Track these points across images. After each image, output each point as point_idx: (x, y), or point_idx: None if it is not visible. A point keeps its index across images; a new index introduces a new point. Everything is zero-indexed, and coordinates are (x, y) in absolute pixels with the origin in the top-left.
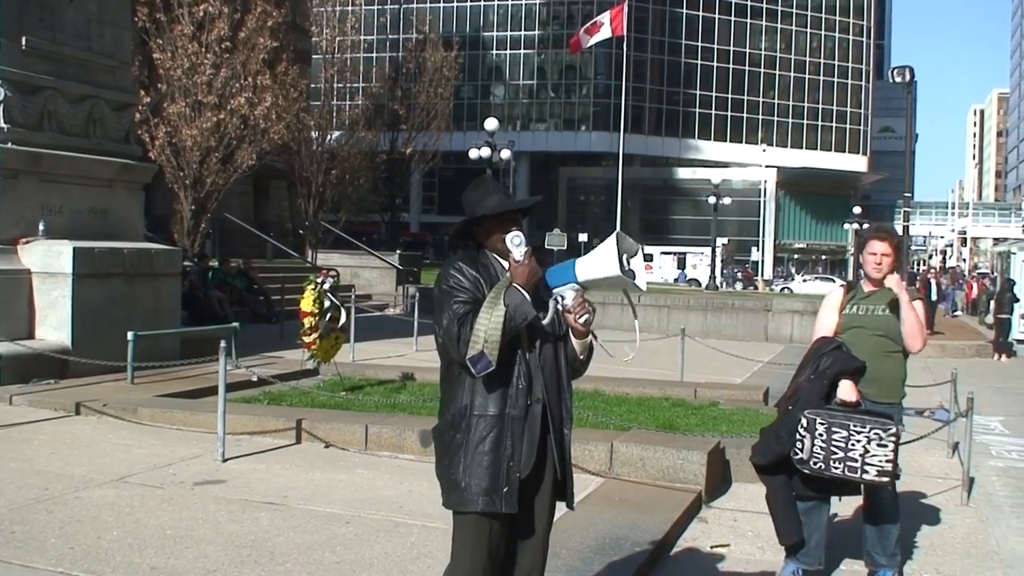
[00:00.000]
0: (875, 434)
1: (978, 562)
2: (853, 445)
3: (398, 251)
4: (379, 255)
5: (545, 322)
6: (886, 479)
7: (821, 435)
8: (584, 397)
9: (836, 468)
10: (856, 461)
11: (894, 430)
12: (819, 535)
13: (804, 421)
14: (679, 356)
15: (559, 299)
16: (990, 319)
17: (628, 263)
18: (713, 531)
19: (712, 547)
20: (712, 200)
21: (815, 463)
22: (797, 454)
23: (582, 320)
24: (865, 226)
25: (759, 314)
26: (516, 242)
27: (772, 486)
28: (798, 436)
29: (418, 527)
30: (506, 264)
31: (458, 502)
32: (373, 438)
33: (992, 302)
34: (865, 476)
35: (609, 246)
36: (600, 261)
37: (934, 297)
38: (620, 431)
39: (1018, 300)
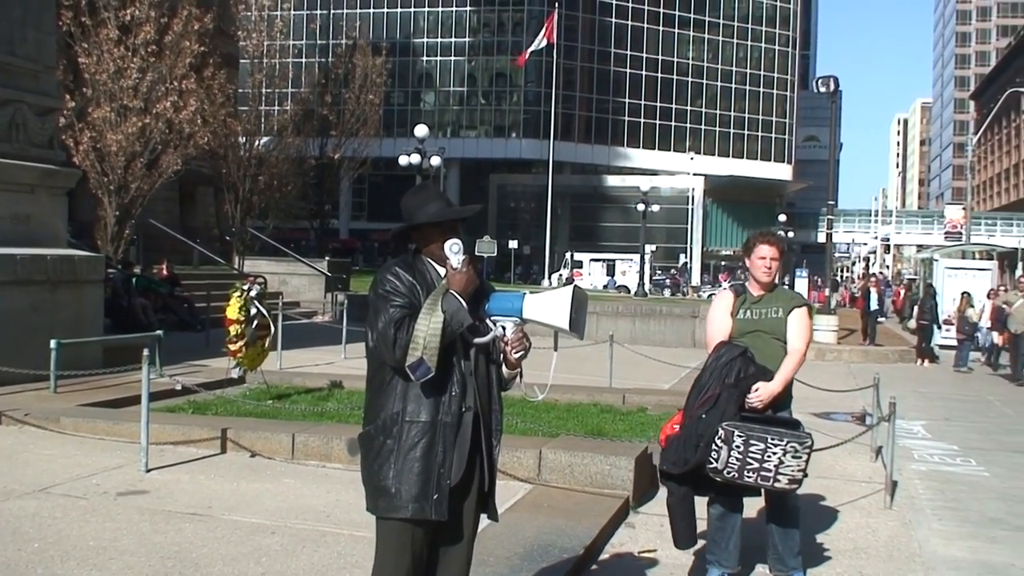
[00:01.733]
0: (791, 447)
1: (900, 565)
2: (769, 457)
3: (327, 258)
4: (307, 262)
5: (478, 341)
6: (795, 486)
7: (738, 447)
8: (513, 404)
9: (749, 477)
10: (770, 471)
11: (810, 443)
12: (736, 539)
13: (722, 433)
14: (608, 362)
15: (501, 329)
16: (912, 324)
17: (576, 313)
18: (640, 536)
19: (639, 552)
20: (641, 207)
21: (729, 473)
22: (712, 463)
23: (517, 356)
24: (791, 234)
25: (687, 320)
26: (455, 250)
27: (677, 493)
28: (714, 447)
29: (346, 536)
30: (442, 271)
31: (387, 508)
32: (300, 447)
33: (915, 308)
34: (776, 484)
35: (563, 299)
36: (551, 310)
37: (874, 306)
38: (549, 438)
39: (938, 308)
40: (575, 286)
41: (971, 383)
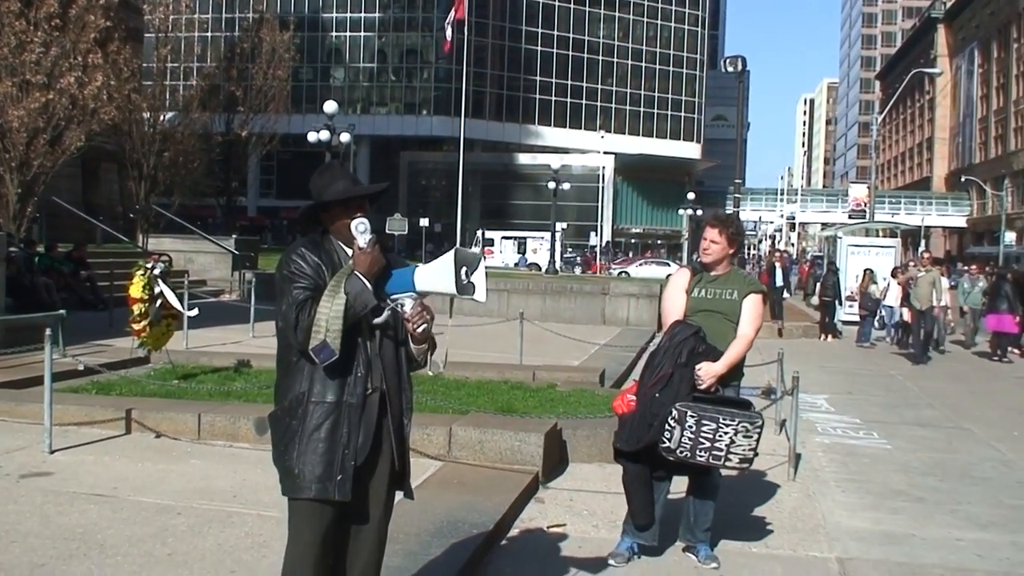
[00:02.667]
0: (742, 427)
1: (805, 536)
2: (720, 436)
3: (234, 236)
4: (214, 240)
5: (378, 321)
6: (746, 466)
7: (691, 427)
8: (423, 381)
9: (701, 457)
10: (721, 451)
11: (760, 423)
12: (657, 512)
13: (675, 413)
14: (518, 339)
15: (399, 307)
16: (816, 300)
17: (467, 277)
18: (550, 511)
19: (549, 527)
20: (552, 185)
21: (681, 452)
22: (665, 443)
23: (420, 329)
24: (699, 212)
25: (596, 298)
26: (361, 229)
27: (631, 470)
28: (667, 427)
29: (253, 516)
30: (350, 251)
31: (293, 488)
32: (206, 427)
33: (818, 285)
34: (728, 463)
35: (446, 263)
36: (437, 277)
37: (779, 283)
38: (459, 415)
39: (840, 284)
40: (456, 248)
41: (873, 358)
